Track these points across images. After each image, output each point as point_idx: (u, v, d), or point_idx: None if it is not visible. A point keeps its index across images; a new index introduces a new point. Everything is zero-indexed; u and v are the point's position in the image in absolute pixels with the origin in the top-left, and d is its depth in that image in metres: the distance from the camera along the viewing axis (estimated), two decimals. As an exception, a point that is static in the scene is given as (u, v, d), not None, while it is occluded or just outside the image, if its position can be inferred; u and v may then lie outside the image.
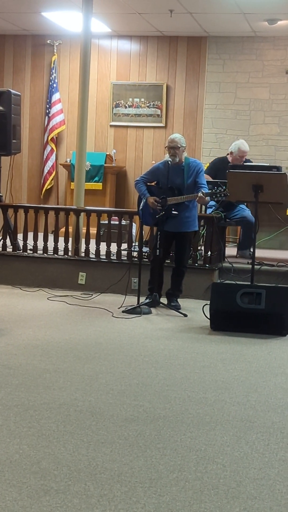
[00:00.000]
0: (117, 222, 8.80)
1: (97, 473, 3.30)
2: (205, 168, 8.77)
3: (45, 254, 8.75)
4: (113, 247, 8.59)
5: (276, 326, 6.52)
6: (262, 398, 4.58)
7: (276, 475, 3.36)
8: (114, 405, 4.30)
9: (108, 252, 8.55)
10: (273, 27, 10.52)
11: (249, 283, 7.02)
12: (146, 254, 8.27)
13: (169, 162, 7.46)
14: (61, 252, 8.75)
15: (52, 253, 8.75)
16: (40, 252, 8.78)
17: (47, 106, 12.07)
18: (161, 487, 3.18)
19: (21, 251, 8.84)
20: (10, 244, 8.93)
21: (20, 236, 8.94)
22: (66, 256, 8.70)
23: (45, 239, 8.77)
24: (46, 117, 12.10)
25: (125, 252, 8.58)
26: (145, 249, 8.32)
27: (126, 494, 3.09)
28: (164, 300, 7.63)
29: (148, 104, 11.81)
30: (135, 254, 8.42)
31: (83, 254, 8.69)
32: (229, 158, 9.01)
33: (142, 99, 11.83)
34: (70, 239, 8.73)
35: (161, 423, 4.02)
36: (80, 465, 3.38)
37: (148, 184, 7.71)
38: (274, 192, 6.95)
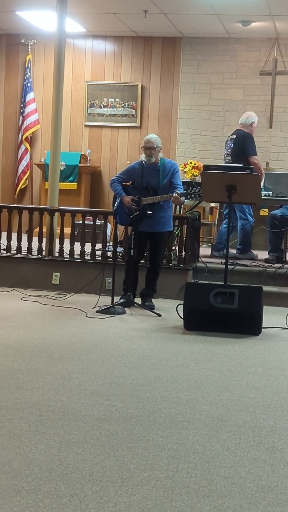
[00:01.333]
0: (91, 222, 8.80)
1: (69, 472, 3.30)
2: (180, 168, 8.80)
3: (19, 254, 8.73)
4: (88, 247, 8.59)
5: (249, 326, 6.55)
6: (234, 397, 4.61)
7: (247, 474, 3.38)
8: (86, 405, 4.30)
9: (82, 252, 8.55)
10: (246, 29, 10.58)
11: (223, 283, 7.05)
12: (120, 254, 8.27)
13: (144, 162, 7.47)
14: (35, 252, 8.72)
15: (26, 253, 8.73)
16: (13, 252, 8.75)
17: (21, 105, 12.04)
18: (132, 486, 3.18)
19: (-5, 251, 8.81)
20: (-17, 244, 8.90)
21: (-7, 236, 8.91)
22: (40, 256, 8.68)
23: (19, 239, 8.74)
24: (20, 116, 12.07)
25: (100, 252, 8.58)
26: (119, 249, 8.33)
27: (97, 493, 3.09)
28: (138, 300, 7.64)
29: (123, 104, 11.82)
30: (109, 254, 8.42)
31: (57, 254, 8.67)
32: (248, 130, 9.04)
33: (117, 99, 11.84)
34: (44, 239, 8.71)
35: (133, 422, 4.03)
36: (51, 465, 3.37)
37: (124, 184, 7.71)
38: (247, 193, 6.98)
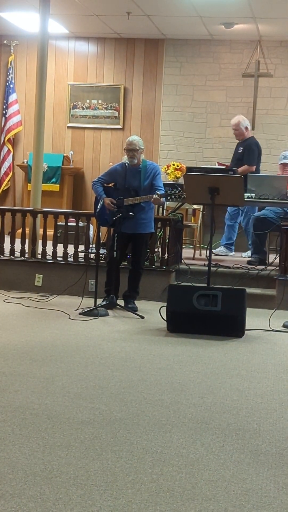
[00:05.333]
0: (74, 224, 8.78)
1: (53, 476, 3.29)
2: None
3: (2, 256, 8.69)
4: (70, 249, 8.56)
5: (232, 328, 6.57)
6: (217, 400, 4.62)
7: (231, 477, 3.38)
8: (70, 408, 4.29)
9: (65, 254, 8.53)
10: (229, 31, 10.61)
11: (206, 285, 7.06)
12: (103, 255, 8.27)
13: (127, 165, 7.47)
14: (17, 254, 8.70)
15: (8, 255, 8.70)
16: (-4, 253, 8.72)
17: (4, 107, 11.99)
18: (117, 490, 3.18)
19: (-23, 253, 8.77)
20: None
21: (-24, 238, 8.86)
22: (23, 257, 8.65)
23: (2, 241, 8.71)
24: (3, 118, 12.02)
25: (82, 254, 8.56)
26: (102, 250, 8.32)
27: (82, 497, 3.09)
28: (121, 302, 7.64)
29: (105, 106, 11.81)
30: (92, 256, 8.41)
31: (40, 256, 8.65)
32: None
33: (100, 101, 11.83)
34: (27, 240, 8.68)
35: (117, 425, 4.02)
36: (35, 469, 3.36)
37: (105, 185, 7.71)
38: (230, 195, 7.00)
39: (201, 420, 4.20)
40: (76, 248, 8.51)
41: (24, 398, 4.45)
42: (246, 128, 9.49)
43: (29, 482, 3.21)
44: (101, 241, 8.12)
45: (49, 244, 8.64)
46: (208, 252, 7.27)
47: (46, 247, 8.60)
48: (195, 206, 10.00)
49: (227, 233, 9.70)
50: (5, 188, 12.06)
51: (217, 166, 8.91)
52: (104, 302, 7.52)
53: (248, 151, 9.38)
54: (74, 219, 8.95)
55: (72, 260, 8.52)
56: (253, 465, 3.53)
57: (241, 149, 9.45)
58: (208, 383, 5.02)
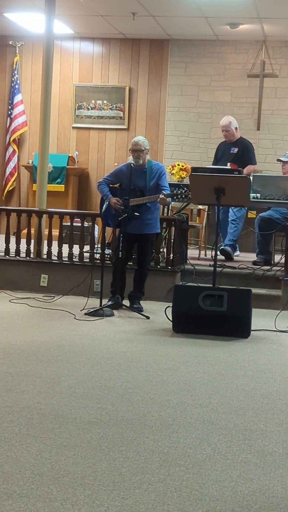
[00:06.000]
0: (79, 224, 8.79)
1: (60, 476, 3.29)
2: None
3: (7, 256, 8.71)
4: (76, 249, 8.57)
5: (238, 328, 6.57)
6: (224, 400, 4.61)
7: (238, 477, 3.38)
8: (77, 408, 4.30)
9: (71, 254, 8.54)
10: (234, 31, 10.61)
11: (211, 285, 7.06)
12: (108, 256, 8.27)
13: (132, 165, 7.48)
14: (23, 254, 8.71)
15: (14, 255, 8.71)
16: (1, 253, 8.73)
17: (9, 107, 12.01)
18: (124, 490, 3.18)
19: (-17, 253, 8.78)
20: (-29, 246, 8.88)
21: (-19, 238, 8.89)
22: (28, 258, 8.66)
23: (7, 241, 8.72)
24: (8, 118, 12.04)
25: (88, 254, 8.57)
26: (107, 251, 8.33)
27: (90, 497, 3.09)
28: (126, 302, 7.64)
29: (110, 106, 11.82)
30: (97, 256, 8.42)
31: (45, 256, 8.66)
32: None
33: (105, 101, 11.83)
34: (32, 241, 8.69)
35: (124, 425, 4.03)
36: (43, 469, 3.37)
37: (111, 185, 7.72)
38: (236, 195, 7.00)
39: (207, 420, 4.20)
40: (81, 248, 8.51)
41: (30, 398, 4.46)
42: (236, 128, 9.40)
43: (36, 482, 3.21)
44: (106, 242, 8.12)
45: (55, 244, 8.65)
46: (213, 252, 7.27)
47: (52, 248, 8.61)
48: (200, 206, 10.00)
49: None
50: (11, 188, 12.07)
51: (222, 167, 8.87)
52: (110, 303, 7.52)
53: (247, 151, 9.32)
54: (79, 219, 8.95)
55: (77, 260, 8.53)
56: (260, 466, 3.53)
57: (235, 150, 9.33)
58: (214, 383, 5.02)
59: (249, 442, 3.86)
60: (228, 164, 8.97)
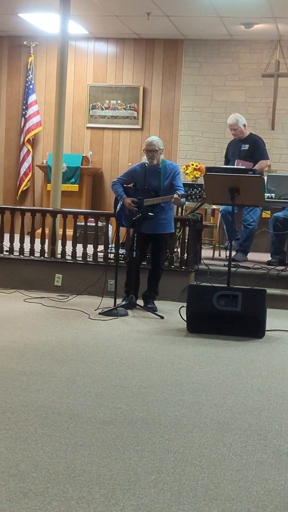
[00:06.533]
0: (93, 224, 8.80)
1: (76, 475, 3.30)
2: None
3: (22, 256, 8.73)
4: (90, 249, 8.59)
5: (252, 328, 6.55)
6: (239, 400, 4.61)
7: (254, 477, 3.38)
8: (91, 408, 4.30)
9: (85, 254, 8.55)
10: (249, 31, 10.59)
11: (225, 285, 7.05)
12: (122, 256, 8.28)
13: (146, 165, 7.48)
14: (37, 254, 8.73)
15: (28, 255, 8.73)
16: (16, 253, 8.75)
17: (24, 107, 12.05)
18: (139, 489, 3.18)
19: (-3, 253, 8.81)
20: (-14, 246, 8.90)
21: (-4, 238, 8.91)
22: (43, 257, 8.68)
23: (21, 241, 8.75)
24: (23, 118, 12.07)
25: (102, 254, 8.58)
26: (121, 251, 8.33)
27: (105, 496, 3.09)
28: (140, 302, 7.64)
29: (124, 106, 11.83)
30: (111, 256, 8.43)
31: (59, 256, 8.68)
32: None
33: (119, 101, 11.84)
34: (47, 240, 8.71)
35: (139, 425, 4.03)
36: (58, 468, 3.37)
37: (125, 185, 7.72)
38: (251, 195, 6.99)
39: (222, 420, 4.19)
40: (95, 248, 8.53)
41: (45, 397, 4.47)
42: (245, 125, 9.26)
43: (52, 481, 3.22)
44: (120, 241, 8.13)
45: (69, 244, 8.66)
46: (228, 252, 7.26)
47: (66, 247, 8.63)
48: (214, 206, 9.99)
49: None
50: (25, 188, 12.11)
51: (237, 167, 8.84)
52: (124, 302, 7.53)
53: (258, 147, 9.19)
54: (93, 219, 8.96)
55: (91, 260, 8.54)
56: (276, 466, 3.52)
57: (246, 146, 9.21)
58: (229, 383, 5.01)
59: (264, 442, 3.85)
60: (236, 161, 8.89)
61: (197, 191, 7.76)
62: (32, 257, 8.72)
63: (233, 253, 9.02)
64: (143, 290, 7.75)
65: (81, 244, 8.59)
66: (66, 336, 6.25)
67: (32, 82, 11.99)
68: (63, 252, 8.64)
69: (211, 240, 10.75)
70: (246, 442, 3.83)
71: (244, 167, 8.48)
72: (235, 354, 5.88)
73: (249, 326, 6.55)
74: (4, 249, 8.79)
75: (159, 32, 11.18)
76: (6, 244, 8.77)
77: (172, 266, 8.29)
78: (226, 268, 7.23)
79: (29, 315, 7.11)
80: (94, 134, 12.03)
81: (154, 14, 10.03)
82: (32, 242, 8.73)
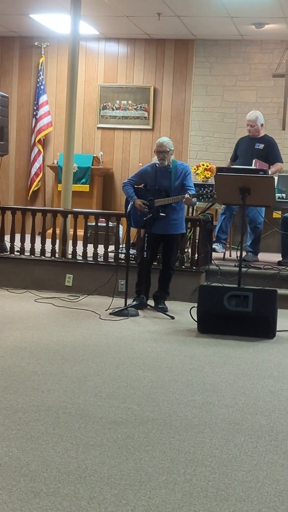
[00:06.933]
0: (104, 224, 8.81)
1: (87, 475, 3.31)
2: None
3: (32, 256, 8.75)
4: (100, 249, 8.59)
5: (263, 329, 6.54)
6: (250, 401, 4.60)
7: (265, 478, 3.38)
8: (102, 408, 4.31)
9: (95, 254, 8.56)
10: (260, 31, 10.57)
11: (236, 285, 7.04)
12: (133, 256, 8.28)
13: (157, 165, 7.48)
14: (48, 254, 8.74)
15: (39, 255, 8.75)
16: (27, 253, 8.77)
17: (35, 108, 12.06)
18: (150, 489, 3.19)
19: (8, 253, 8.82)
20: (-3, 246, 8.93)
21: (7, 238, 8.93)
22: (53, 258, 8.70)
23: (32, 241, 8.76)
24: (34, 118, 12.09)
25: (112, 254, 8.59)
26: (132, 251, 8.34)
27: (116, 496, 3.10)
28: (151, 302, 7.64)
29: (135, 107, 11.82)
30: (122, 256, 8.43)
31: (70, 256, 8.69)
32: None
33: (130, 102, 11.84)
34: (57, 240, 8.73)
35: (150, 425, 4.03)
36: (69, 468, 3.38)
37: (136, 186, 7.73)
38: (261, 195, 6.98)
39: (233, 421, 4.19)
40: (106, 248, 8.53)
41: (56, 397, 4.48)
42: (262, 125, 9.25)
43: (63, 481, 3.23)
44: (131, 242, 8.13)
45: (79, 244, 8.67)
46: (238, 252, 7.25)
47: (77, 247, 8.64)
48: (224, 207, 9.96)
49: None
50: (36, 188, 12.12)
51: (246, 167, 8.82)
52: (135, 303, 7.54)
53: (273, 148, 9.18)
54: (104, 220, 8.97)
55: (102, 260, 8.55)
56: (287, 467, 3.52)
57: (261, 146, 9.19)
58: (240, 384, 5.01)
59: (275, 443, 3.85)
60: (254, 160, 8.85)
61: (208, 191, 7.75)
62: (43, 257, 8.73)
63: (244, 253, 9.04)
64: (154, 291, 7.76)
65: (92, 244, 8.60)
66: (77, 336, 6.26)
67: (43, 82, 12.01)
68: (74, 252, 8.65)
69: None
70: (257, 443, 3.83)
71: (256, 167, 8.47)
72: (246, 355, 5.87)
73: (260, 327, 6.55)
74: (15, 249, 8.80)
75: (169, 32, 11.17)
76: (17, 244, 8.78)
77: (183, 267, 8.28)
78: (237, 269, 7.22)
79: (40, 315, 7.12)
80: (105, 134, 12.04)
81: (164, 14, 10.02)
82: (43, 242, 8.74)
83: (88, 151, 11.96)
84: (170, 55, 11.68)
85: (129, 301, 7.53)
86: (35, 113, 12.05)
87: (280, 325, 6.77)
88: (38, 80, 12.03)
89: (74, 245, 8.63)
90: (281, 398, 4.69)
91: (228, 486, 3.26)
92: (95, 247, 8.56)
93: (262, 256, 9.24)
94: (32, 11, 10.36)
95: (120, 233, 9.71)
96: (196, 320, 6.74)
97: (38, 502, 3.01)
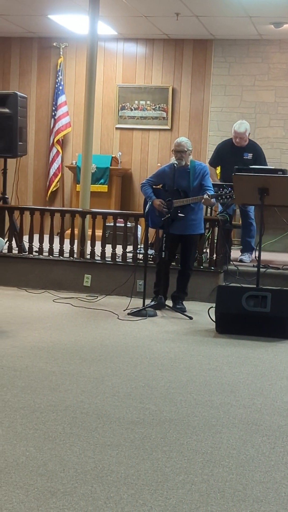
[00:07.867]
0: (122, 224, 8.81)
1: (104, 475, 3.31)
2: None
3: (51, 256, 8.77)
4: (119, 249, 8.60)
5: (282, 329, 6.52)
6: (268, 401, 4.59)
7: (282, 478, 3.36)
8: (120, 408, 4.31)
9: (114, 254, 8.56)
10: (279, 30, 10.53)
11: (255, 286, 7.02)
12: (151, 256, 8.28)
13: (175, 165, 7.47)
14: (66, 254, 8.76)
15: (57, 255, 8.77)
16: (45, 254, 8.79)
17: (53, 108, 12.09)
18: (167, 489, 3.18)
19: (27, 253, 8.85)
20: (15, 246, 8.95)
21: (26, 238, 8.95)
22: (72, 258, 8.71)
23: (51, 241, 8.79)
24: (52, 119, 12.12)
25: (131, 254, 8.59)
26: (150, 251, 8.33)
27: (133, 496, 3.10)
28: (169, 302, 7.64)
29: (153, 107, 11.82)
30: (140, 256, 8.43)
31: (88, 256, 8.70)
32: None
33: (148, 102, 11.84)
34: (76, 241, 8.74)
35: (167, 426, 4.03)
36: (86, 467, 3.39)
37: (154, 187, 7.72)
38: (280, 195, 6.96)
39: (251, 421, 4.18)
40: (124, 248, 8.54)
41: (74, 397, 4.49)
42: (249, 134, 9.16)
43: (80, 481, 3.23)
44: (149, 242, 8.13)
45: (98, 244, 8.67)
46: (257, 253, 7.23)
47: (95, 248, 8.65)
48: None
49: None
50: (54, 189, 12.15)
51: (266, 167, 8.78)
52: (153, 303, 7.53)
53: (260, 156, 9.03)
54: (122, 220, 8.97)
55: (120, 260, 8.55)
56: (305, 468, 3.50)
57: (249, 155, 8.98)
58: (258, 384, 4.99)
59: (293, 443, 3.83)
60: None
61: (227, 191, 7.72)
62: (61, 257, 8.75)
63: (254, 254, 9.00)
64: (172, 291, 7.75)
65: (110, 245, 8.60)
66: (95, 337, 6.27)
67: (62, 83, 12.03)
68: (92, 253, 8.66)
69: (239, 240, 10.68)
70: (274, 444, 3.82)
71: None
72: (264, 355, 5.85)
73: (279, 327, 6.52)
74: (34, 250, 8.83)
75: (188, 32, 11.16)
76: (36, 244, 8.81)
77: (201, 267, 8.27)
78: (255, 269, 7.20)
79: (58, 316, 7.14)
80: (123, 135, 12.04)
81: (183, 15, 10.01)
82: (62, 242, 8.76)
83: (106, 151, 11.97)
84: (189, 55, 11.66)
85: (147, 301, 7.53)
86: (53, 113, 12.09)
87: (299, 325, 6.73)
88: (57, 80, 12.06)
89: (93, 245, 8.64)
90: (299, 399, 4.67)
91: (245, 487, 3.25)
92: (114, 248, 8.57)
93: (281, 257, 9.20)
94: (51, 11, 10.39)
95: (139, 233, 9.71)
96: (214, 320, 6.72)
97: (55, 502, 3.02)
